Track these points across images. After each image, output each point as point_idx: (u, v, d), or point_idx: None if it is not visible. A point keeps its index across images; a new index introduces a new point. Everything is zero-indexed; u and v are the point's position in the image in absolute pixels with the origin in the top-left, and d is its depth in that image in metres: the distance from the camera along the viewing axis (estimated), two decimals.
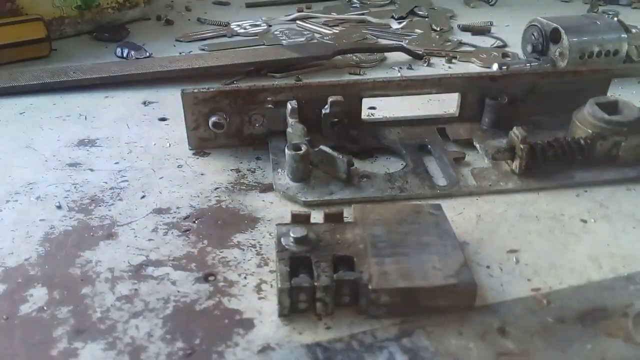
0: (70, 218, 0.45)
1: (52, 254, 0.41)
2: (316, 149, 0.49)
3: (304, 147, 0.47)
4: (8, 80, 0.67)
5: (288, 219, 0.41)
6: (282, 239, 0.38)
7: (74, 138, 0.56)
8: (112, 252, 0.42)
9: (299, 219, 0.40)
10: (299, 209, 0.45)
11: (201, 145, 0.54)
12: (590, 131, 0.49)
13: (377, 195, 0.47)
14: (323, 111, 0.53)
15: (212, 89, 0.52)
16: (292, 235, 0.38)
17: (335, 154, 0.48)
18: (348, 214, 0.42)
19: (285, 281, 0.35)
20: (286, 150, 0.47)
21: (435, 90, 0.55)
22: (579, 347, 0.34)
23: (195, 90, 0.51)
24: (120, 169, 0.51)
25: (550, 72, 0.56)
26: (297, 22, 0.91)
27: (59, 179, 0.50)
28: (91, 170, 0.51)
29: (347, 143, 0.53)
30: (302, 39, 0.84)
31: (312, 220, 0.41)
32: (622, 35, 0.69)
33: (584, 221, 0.45)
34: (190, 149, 0.54)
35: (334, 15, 0.94)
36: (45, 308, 0.37)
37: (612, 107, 0.50)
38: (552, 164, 0.49)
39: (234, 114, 0.53)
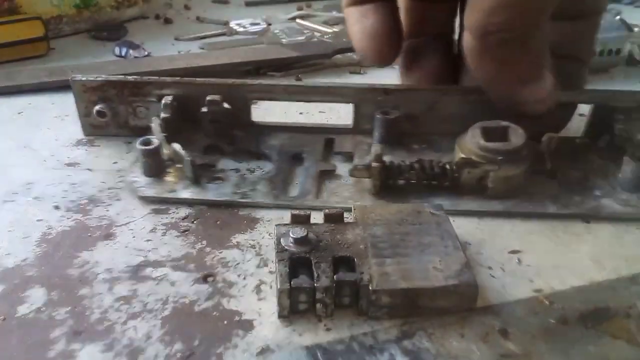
0: (68, 218, 0.45)
1: (49, 254, 0.41)
2: (169, 146, 0.48)
3: (154, 142, 0.47)
4: (5, 79, 0.67)
5: (288, 220, 0.40)
6: (281, 240, 0.38)
7: (72, 137, 0.56)
8: (110, 252, 0.41)
9: (299, 220, 0.40)
10: (298, 209, 0.45)
11: (93, 133, 0.55)
12: (464, 156, 0.46)
13: (216, 199, 0.46)
14: (202, 110, 0.52)
15: (99, 78, 0.53)
16: (291, 235, 0.38)
17: (182, 152, 0.47)
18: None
19: (285, 282, 0.35)
20: (136, 145, 0.47)
21: (326, 99, 0.53)
22: (582, 349, 0.34)
23: (84, 79, 0.53)
24: (118, 168, 0.51)
25: (451, 90, 0.52)
26: (297, 20, 0.91)
27: (57, 179, 0.49)
28: (89, 170, 0.51)
29: (224, 143, 0.52)
30: (302, 38, 0.84)
31: (312, 221, 0.40)
32: (624, 34, 0.69)
33: (587, 221, 0.44)
34: (85, 135, 0.55)
35: (334, 13, 0.94)
36: (42, 309, 0.37)
37: (500, 133, 0.47)
38: (414, 186, 0.46)
39: (120, 105, 0.54)
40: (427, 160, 0.46)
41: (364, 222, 0.40)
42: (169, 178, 0.48)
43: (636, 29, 0.77)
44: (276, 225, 0.40)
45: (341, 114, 0.59)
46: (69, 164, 0.52)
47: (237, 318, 0.36)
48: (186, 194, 0.46)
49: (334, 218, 0.40)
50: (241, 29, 0.86)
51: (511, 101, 0.46)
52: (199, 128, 0.52)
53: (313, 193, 0.47)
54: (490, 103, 0.50)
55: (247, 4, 0.98)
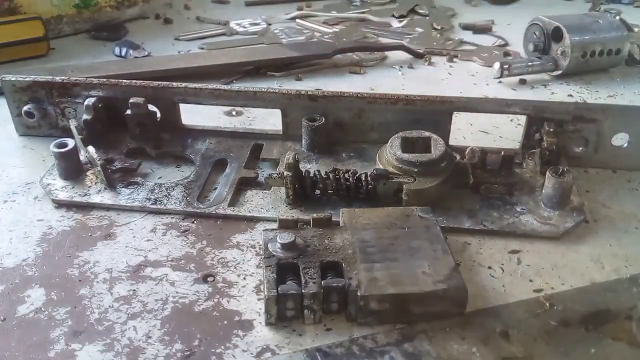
0: (68, 218, 0.45)
1: (50, 254, 0.41)
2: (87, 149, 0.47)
3: (69, 145, 0.47)
4: None
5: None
6: (269, 245, 0.38)
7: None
8: (110, 252, 0.41)
9: (286, 225, 0.40)
10: (286, 214, 0.44)
11: (27, 133, 0.55)
12: (382, 167, 0.45)
13: (127, 205, 0.45)
14: (127, 112, 0.51)
15: (28, 78, 0.53)
16: (279, 241, 0.37)
17: (95, 156, 0.46)
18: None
19: (272, 289, 0.35)
20: (51, 147, 0.47)
21: (252, 104, 0.52)
22: (583, 351, 0.34)
23: (13, 79, 0.53)
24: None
25: (377, 98, 0.50)
26: (297, 20, 0.91)
27: None
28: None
29: (149, 147, 0.52)
30: (302, 38, 0.83)
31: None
32: (624, 34, 0.69)
33: (586, 222, 0.44)
34: (19, 135, 0.55)
35: (334, 13, 0.94)
36: (43, 309, 0.37)
37: (422, 144, 0.46)
38: (330, 196, 0.45)
39: (50, 105, 0.53)
40: (343, 171, 0.45)
41: (352, 226, 0.40)
42: (87, 182, 0.47)
43: (636, 29, 0.77)
44: (263, 231, 0.40)
45: None
46: None
47: (237, 318, 0.36)
48: (98, 198, 0.46)
49: (322, 222, 0.40)
50: (241, 29, 0.86)
51: None
52: (126, 131, 0.52)
53: (227, 200, 0.45)
54: (416, 112, 0.49)
55: (247, 4, 0.98)
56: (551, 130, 0.47)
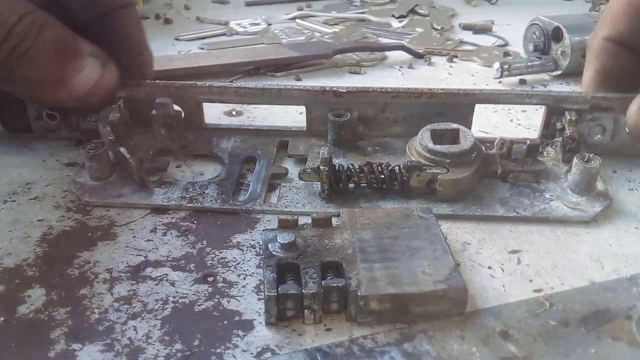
0: (68, 218, 0.45)
1: (50, 254, 0.41)
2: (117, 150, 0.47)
3: (99, 147, 0.47)
4: None
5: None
6: (269, 245, 0.38)
7: (72, 137, 0.56)
8: (111, 252, 0.41)
9: (286, 225, 0.40)
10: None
11: (46, 136, 0.54)
12: (412, 159, 0.46)
13: (164, 204, 0.45)
14: (152, 112, 0.51)
15: None
16: (279, 241, 0.37)
17: (128, 156, 0.46)
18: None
19: (272, 289, 0.35)
20: (81, 149, 0.47)
21: (277, 102, 0.52)
22: (583, 351, 0.34)
23: None
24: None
25: (402, 92, 0.51)
26: (297, 20, 0.91)
27: (57, 179, 0.49)
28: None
29: (175, 147, 0.52)
30: (302, 38, 0.84)
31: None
32: None
33: (586, 222, 0.44)
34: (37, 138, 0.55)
35: (334, 13, 0.94)
36: (43, 309, 0.37)
37: (451, 135, 0.47)
38: (364, 189, 0.46)
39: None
40: (377, 164, 0.46)
41: (352, 226, 0.40)
42: (117, 182, 0.47)
43: None
44: (263, 231, 0.40)
45: None
46: (69, 164, 0.51)
47: (237, 318, 0.36)
48: (133, 198, 0.46)
49: (322, 222, 0.40)
50: (241, 29, 0.86)
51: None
52: (151, 131, 0.52)
53: (262, 197, 0.46)
54: (439, 105, 0.50)
55: (247, 4, 0.98)
56: (573, 119, 0.49)
